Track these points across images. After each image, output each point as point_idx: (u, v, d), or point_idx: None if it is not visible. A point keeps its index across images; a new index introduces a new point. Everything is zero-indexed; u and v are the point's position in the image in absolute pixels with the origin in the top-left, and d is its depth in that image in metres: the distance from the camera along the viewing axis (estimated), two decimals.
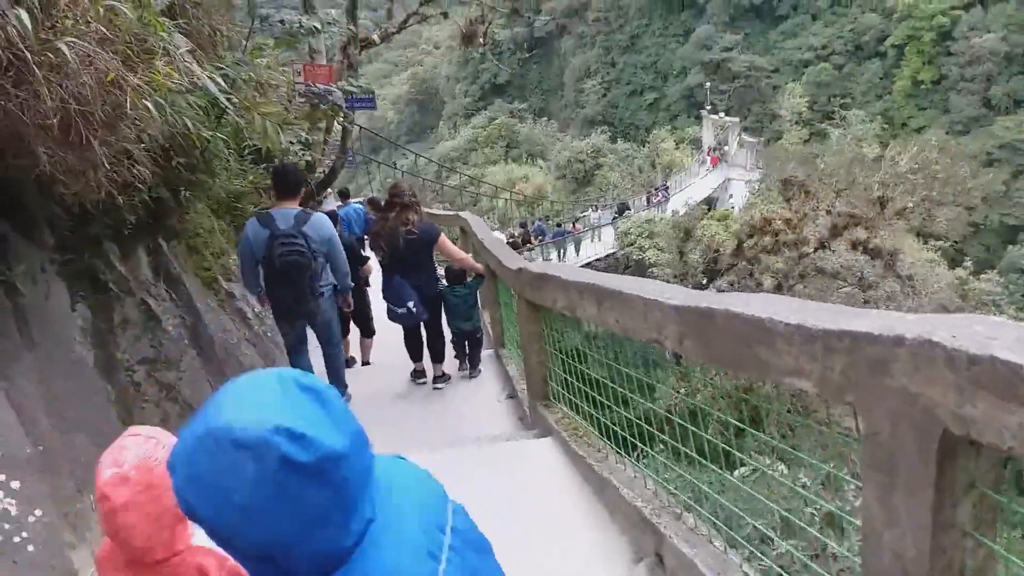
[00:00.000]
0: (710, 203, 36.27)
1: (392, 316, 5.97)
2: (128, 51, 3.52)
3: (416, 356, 6.35)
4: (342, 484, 0.97)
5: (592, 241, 24.84)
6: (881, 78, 61.98)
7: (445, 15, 8.41)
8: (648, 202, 34.91)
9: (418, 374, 6.38)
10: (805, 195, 17.15)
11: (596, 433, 3.76)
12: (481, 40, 8.41)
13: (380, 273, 6.06)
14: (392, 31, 8.56)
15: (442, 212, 13.57)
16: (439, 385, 6.17)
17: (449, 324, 6.33)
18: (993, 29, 55.47)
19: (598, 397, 3.53)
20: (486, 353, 6.66)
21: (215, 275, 7.08)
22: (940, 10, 58.20)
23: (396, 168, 24.95)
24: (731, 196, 38.95)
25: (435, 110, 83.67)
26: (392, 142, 53.41)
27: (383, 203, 6.58)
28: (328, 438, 0.95)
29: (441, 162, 45.01)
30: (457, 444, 4.40)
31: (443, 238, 6.00)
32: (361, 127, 17.38)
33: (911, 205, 15.61)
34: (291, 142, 5.77)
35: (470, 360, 6.41)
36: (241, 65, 5.29)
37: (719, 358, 2.09)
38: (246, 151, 7.50)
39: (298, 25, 5.52)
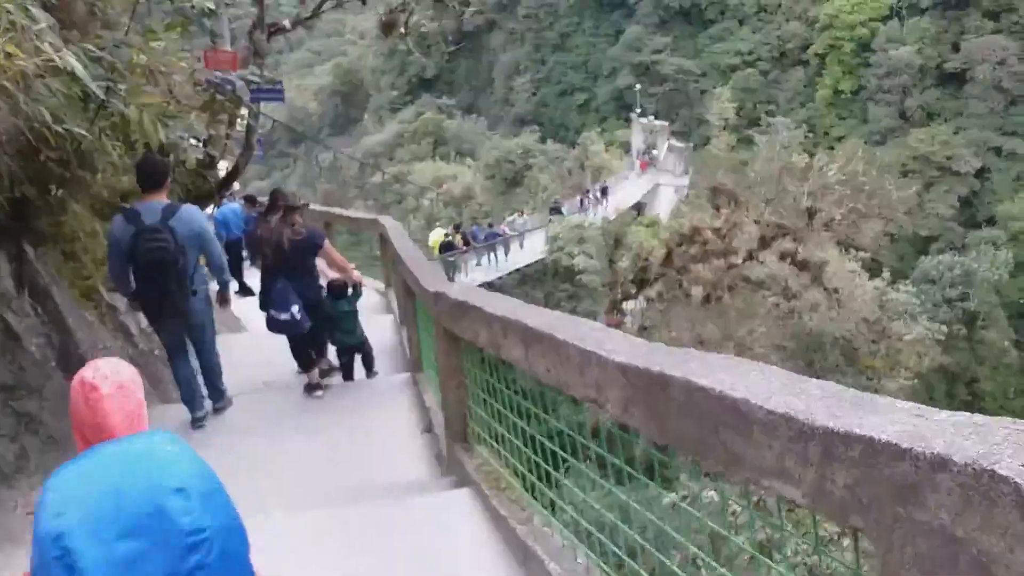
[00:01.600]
0: (639, 208, 36.42)
1: (273, 325, 5.63)
2: None
3: (306, 365, 6.00)
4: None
5: (521, 248, 24.32)
6: (805, 86, 63.76)
7: (363, 1, 7.79)
8: (582, 204, 34.56)
9: (312, 388, 5.98)
10: (734, 204, 17.17)
11: (519, 485, 3.28)
12: (402, 30, 7.84)
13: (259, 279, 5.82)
14: (305, 16, 7.88)
15: (360, 215, 12.73)
16: (326, 381, 6.12)
17: (332, 340, 6.37)
18: (909, 42, 57.71)
19: (521, 447, 3.05)
20: (400, 378, 6.19)
21: (95, 284, 6.30)
22: (860, 21, 60.23)
23: (317, 163, 23.92)
24: (659, 202, 39.27)
25: (360, 103, 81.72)
26: (311, 138, 51.85)
27: (265, 205, 6.27)
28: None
29: (365, 159, 43.80)
30: (363, 494, 3.84)
31: (328, 244, 5.84)
32: (275, 120, 16.47)
33: (838, 217, 15.77)
34: (181, 136, 5.10)
35: (365, 365, 6.61)
36: (122, 48, 4.58)
37: (676, 439, 1.64)
38: (136, 144, 6.71)
39: (190, 5, 4.84)
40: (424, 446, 4.85)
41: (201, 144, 6.70)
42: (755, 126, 57.45)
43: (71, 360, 5.35)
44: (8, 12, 3.06)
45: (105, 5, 4.80)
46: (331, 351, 6.65)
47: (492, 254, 22.92)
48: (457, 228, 24.16)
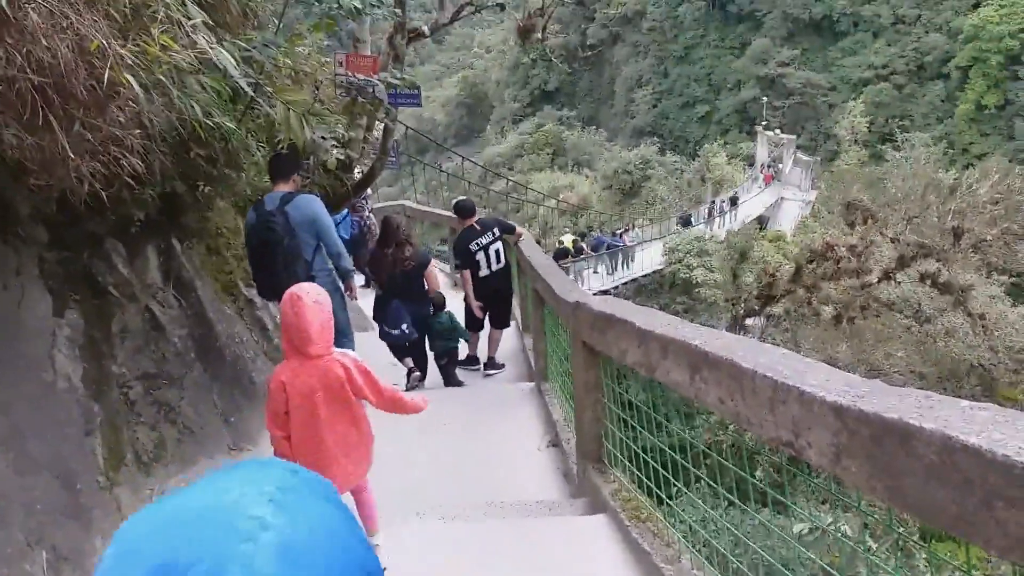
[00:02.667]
0: (762, 222, 35.04)
1: (384, 336, 6.51)
2: (119, 15, 2.90)
3: (405, 356, 6.80)
4: None
5: (630, 263, 23.65)
6: (943, 100, 59.84)
7: (502, 7, 7.71)
8: (710, 214, 33.82)
9: (411, 372, 6.73)
10: (870, 221, 16.08)
11: (663, 518, 3.00)
12: (539, 35, 7.70)
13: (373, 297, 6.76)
14: (444, 22, 7.89)
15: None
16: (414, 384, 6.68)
17: (432, 347, 7.04)
18: None
19: (670, 478, 2.78)
20: (524, 387, 6.02)
21: (235, 280, 6.47)
22: (1008, 32, 55.90)
23: (441, 171, 24.37)
24: (783, 216, 37.62)
25: (483, 114, 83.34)
26: (439, 143, 53.07)
27: (379, 234, 7.05)
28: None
29: (487, 166, 44.32)
30: (488, 509, 3.65)
31: (431, 268, 6.74)
32: (407, 127, 16.82)
33: (989, 238, 14.44)
34: (323, 137, 5.14)
35: (447, 375, 7.11)
36: (271, 47, 4.64)
37: (919, 508, 1.32)
38: (280, 145, 6.89)
39: (336, 5, 4.86)
40: (550, 461, 4.62)
41: (340, 146, 6.79)
42: (887, 142, 54.33)
43: (210, 353, 5.49)
44: (165, 5, 3.07)
45: (256, 6, 4.87)
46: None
47: (611, 262, 22.54)
48: (583, 236, 23.97)
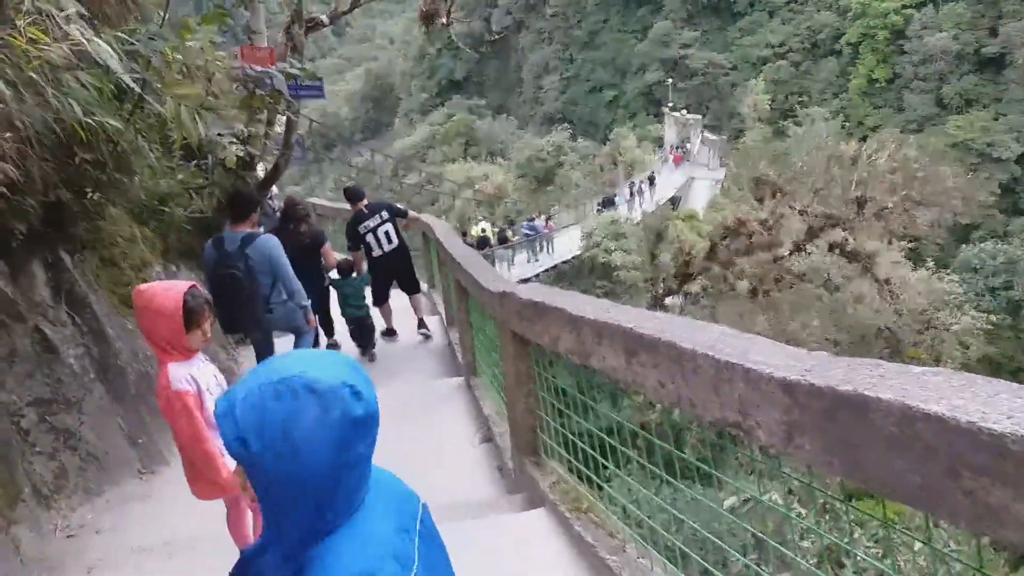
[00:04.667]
0: (674, 203, 35.79)
1: None
2: None
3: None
4: (371, 443, 1.19)
5: (540, 252, 23.64)
6: (837, 76, 62.48)
7: None
8: (630, 195, 34.38)
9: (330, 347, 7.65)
10: (779, 195, 16.58)
11: (605, 509, 2.92)
12: (444, 20, 7.48)
13: None
14: (343, 10, 7.59)
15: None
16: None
17: (343, 313, 7.67)
18: (945, 28, 56.28)
19: (607, 463, 2.70)
20: (453, 382, 5.86)
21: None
22: (893, 8, 58.86)
23: (351, 165, 23.80)
24: (695, 195, 38.55)
25: (391, 107, 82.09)
26: (346, 138, 51.97)
27: (282, 211, 7.50)
28: (373, 402, 1.17)
29: (398, 159, 43.64)
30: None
31: (326, 245, 7.16)
32: (312, 120, 16.32)
33: (890, 206, 15.10)
34: (220, 134, 4.83)
35: (364, 344, 7.76)
36: (156, 40, 4.31)
37: (880, 482, 1.25)
38: (174, 145, 6.48)
39: None
40: (484, 457, 4.48)
41: (240, 143, 6.44)
42: (788, 118, 56.42)
43: (110, 372, 5.11)
44: None
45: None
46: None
47: (532, 250, 22.54)
48: (512, 224, 23.91)
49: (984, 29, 55.96)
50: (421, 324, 8.18)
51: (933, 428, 1.12)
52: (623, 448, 2.65)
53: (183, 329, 2.81)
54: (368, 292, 7.81)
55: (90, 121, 3.47)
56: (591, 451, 2.90)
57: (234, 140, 5.81)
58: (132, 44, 4.17)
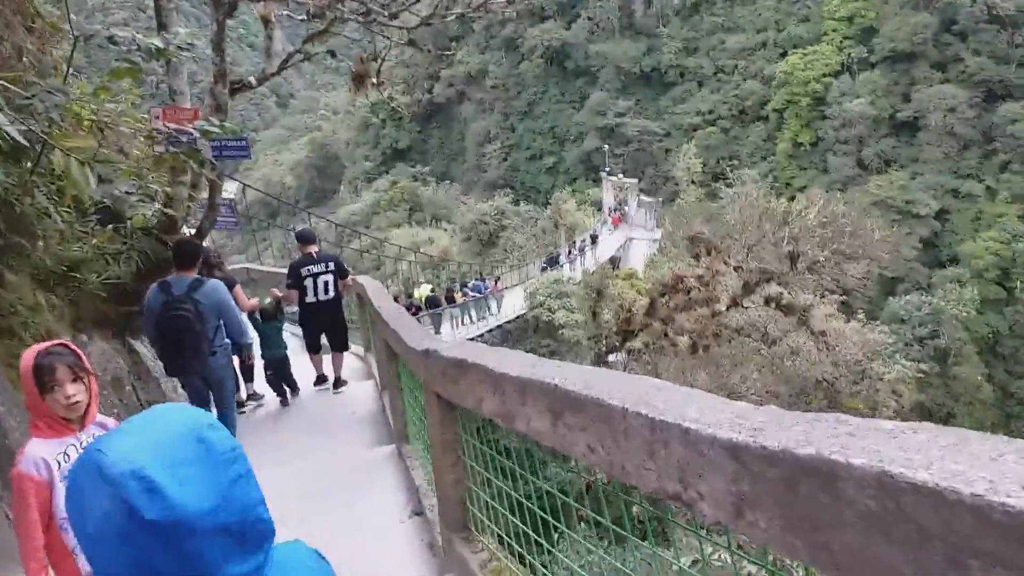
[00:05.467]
0: (614, 263, 36.26)
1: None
2: None
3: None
4: (192, 556, 0.91)
5: (486, 312, 23.54)
6: (765, 140, 65.39)
7: (332, 54, 7.35)
8: (569, 254, 34.78)
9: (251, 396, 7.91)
10: (714, 252, 16.84)
11: None
12: (374, 81, 7.37)
13: None
14: (272, 72, 7.39)
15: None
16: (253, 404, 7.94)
17: (263, 355, 7.90)
18: (862, 95, 59.68)
19: (549, 524, 2.42)
20: (383, 451, 5.51)
21: None
22: (813, 77, 62.18)
23: (294, 234, 23.47)
24: (633, 255, 39.16)
25: (335, 175, 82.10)
26: (290, 206, 51.49)
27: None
28: (190, 503, 0.90)
29: (343, 226, 43.31)
30: None
31: (237, 287, 7.21)
32: (247, 186, 15.97)
33: (822, 259, 15.45)
34: (128, 192, 4.51)
35: (289, 387, 8.02)
36: (56, 95, 4.00)
37: (854, 568, 1.01)
38: (90, 209, 6.10)
39: (135, 47, 4.27)
40: (414, 532, 4.11)
41: (157, 204, 6.10)
42: (719, 180, 58.49)
43: None
44: None
45: (39, 48, 4.22)
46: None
47: (477, 310, 22.36)
48: (464, 285, 23.84)
49: (898, 95, 59.53)
50: (337, 383, 8.26)
51: (925, 503, 0.87)
52: (565, 514, 2.38)
53: (37, 392, 2.46)
54: (286, 337, 8.14)
55: None
56: (524, 527, 2.61)
57: (144, 199, 5.46)
58: (28, 98, 3.88)
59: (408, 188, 65.99)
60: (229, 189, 10.74)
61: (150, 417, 0.99)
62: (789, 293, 15.60)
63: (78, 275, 6.34)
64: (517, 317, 23.79)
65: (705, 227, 19.08)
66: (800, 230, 15.93)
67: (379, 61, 7.25)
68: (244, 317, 7.49)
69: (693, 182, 57.71)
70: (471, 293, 23.34)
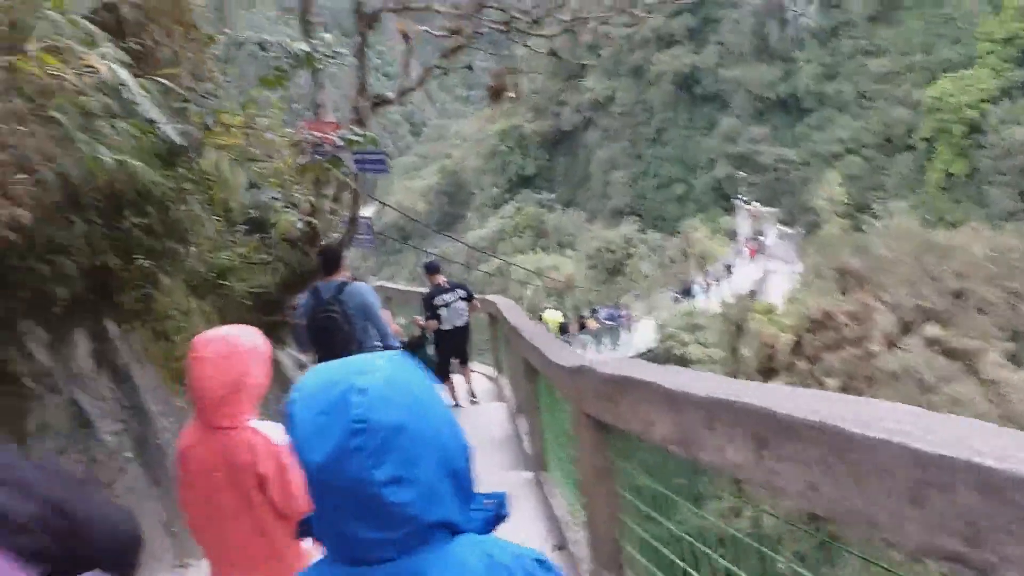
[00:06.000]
0: (750, 295, 34.72)
1: None
2: None
3: None
4: (315, 497, 1.05)
5: (611, 343, 22.86)
6: (913, 171, 60.94)
7: (470, 67, 7.35)
8: (707, 285, 33.93)
9: None
10: (866, 286, 15.65)
11: None
12: (511, 93, 7.32)
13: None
14: (410, 87, 7.49)
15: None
16: None
17: None
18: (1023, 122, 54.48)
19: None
20: (519, 478, 5.24)
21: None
22: (967, 103, 57.49)
23: (428, 253, 24.10)
24: (771, 289, 37.38)
25: (463, 201, 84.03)
26: (422, 229, 53.13)
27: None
28: (305, 448, 1.02)
29: (470, 253, 44.16)
30: None
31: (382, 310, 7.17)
32: (384, 204, 16.46)
33: (992, 299, 13.91)
34: (275, 197, 4.56)
35: None
36: (211, 99, 4.08)
37: None
38: (238, 219, 6.31)
39: (285, 54, 4.32)
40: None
41: (299, 212, 6.22)
42: (863, 211, 55.02)
43: (148, 451, 4.73)
44: (45, 15, 2.47)
45: (196, 55, 4.33)
46: None
47: (611, 338, 21.88)
48: (594, 312, 23.67)
49: None
50: (472, 394, 8.78)
51: None
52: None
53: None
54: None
55: (130, 168, 3.15)
56: (687, 565, 2.28)
57: (289, 206, 5.56)
58: (185, 102, 3.96)
59: (533, 214, 66.48)
60: (366, 210, 11.02)
61: (338, 362, 1.09)
62: (954, 336, 14.14)
63: (226, 282, 6.57)
64: (648, 350, 23.05)
65: (855, 259, 17.82)
66: (966, 265, 14.41)
67: (516, 74, 7.16)
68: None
69: (836, 212, 54.70)
70: (604, 320, 22.90)
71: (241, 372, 2.20)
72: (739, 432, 1.63)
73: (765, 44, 71.51)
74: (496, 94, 7.43)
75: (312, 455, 0.99)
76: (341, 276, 5.82)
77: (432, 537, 1.05)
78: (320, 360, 5.63)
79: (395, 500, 1.00)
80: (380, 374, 1.04)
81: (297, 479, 2.15)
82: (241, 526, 2.29)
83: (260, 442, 2.25)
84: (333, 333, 5.56)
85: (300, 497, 2.19)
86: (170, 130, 3.24)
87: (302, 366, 8.62)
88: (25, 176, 2.61)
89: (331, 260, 5.84)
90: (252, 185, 4.08)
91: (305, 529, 1.13)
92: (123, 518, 1.10)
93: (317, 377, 1.06)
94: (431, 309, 8.06)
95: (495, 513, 1.17)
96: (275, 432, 2.32)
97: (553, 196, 75.63)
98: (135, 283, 4.84)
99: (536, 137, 79.81)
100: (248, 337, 2.25)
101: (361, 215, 8.67)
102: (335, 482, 0.99)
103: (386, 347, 6.12)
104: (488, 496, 1.17)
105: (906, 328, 14.42)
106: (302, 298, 5.94)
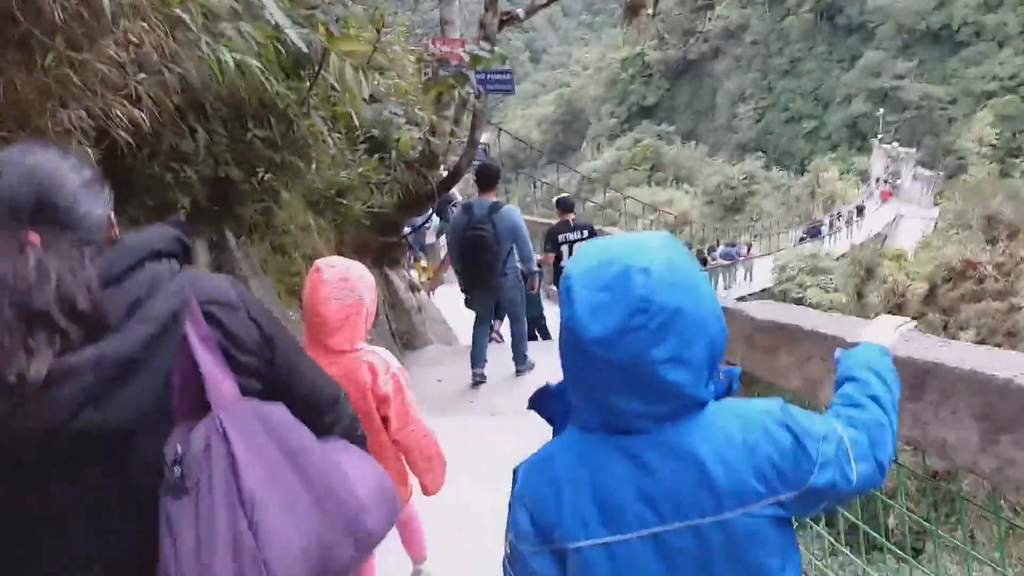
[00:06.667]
0: (880, 240, 32.60)
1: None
2: None
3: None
4: (584, 370, 1.09)
5: (725, 283, 21.84)
6: None
7: None
8: (831, 226, 32.23)
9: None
10: (1019, 235, 14.23)
11: None
12: (650, 12, 6.78)
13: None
14: (540, 3, 7.08)
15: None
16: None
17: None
18: None
19: None
20: None
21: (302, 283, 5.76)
22: None
23: (535, 186, 23.78)
24: (902, 234, 34.95)
25: (579, 131, 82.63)
26: (535, 158, 52.60)
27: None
28: (584, 321, 1.06)
29: (582, 184, 43.38)
30: None
31: None
32: (502, 130, 16.17)
33: None
34: (395, 113, 4.37)
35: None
36: (335, 5, 3.88)
37: None
38: (358, 139, 6.19)
39: None
40: None
41: (419, 130, 6.05)
42: (1016, 155, 50.12)
43: None
44: None
45: None
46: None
47: (721, 277, 21.02)
48: (711, 250, 22.93)
49: None
50: None
51: None
52: None
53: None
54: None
55: (254, 76, 3.00)
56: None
57: (413, 125, 5.38)
58: (311, 7, 3.78)
59: (651, 146, 64.40)
60: (482, 136, 10.79)
61: (607, 240, 1.14)
62: None
63: (344, 201, 6.52)
64: (761, 291, 22.07)
65: (1007, 206, 16.22)
66: None
67: None
68: None
69: (985, 156, 50.12)
70: (720, 259, 22.01)
71: (358, 299, 2.26)
72: (961, 406, 1.29)
73: None
74: (633, 10, 6.90)
75: (591, 329, 1.03)
76: (493, 196, 5.86)
77: (689, 410, 1.09)
78: (462, 273, 6.04)
79: (671, 379, 1.04)
80: (661, 255, 1.06)
81: (413, 401, 2.37)
82: None
83: (379, 363, 2.32)
84: (481, 251, 5.64)
85: (413, 420, 2.36)
86: (295, 36, 3.06)
87: (414, 288, 8.64)
88: (145, 76, 2.49)
89: (488, 177, 5.88)
90: (374, 99, 3.90)
91: (543, 400, 1.25)
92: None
93: (592, 254, 1.10)
94: (554, 243, 7.99)
95: (727, 385, 1.20)
96: (389, 356, 2.40)
97: (673, 128, 73.08)
98: (255, 196, 4.80)
99: (660, 66, 76.83)
100: (359, 267, 2.33)
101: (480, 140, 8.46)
102: (612, 356, 1.03)
103: (528, 272, 6.36)
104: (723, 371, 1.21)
105: None
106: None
